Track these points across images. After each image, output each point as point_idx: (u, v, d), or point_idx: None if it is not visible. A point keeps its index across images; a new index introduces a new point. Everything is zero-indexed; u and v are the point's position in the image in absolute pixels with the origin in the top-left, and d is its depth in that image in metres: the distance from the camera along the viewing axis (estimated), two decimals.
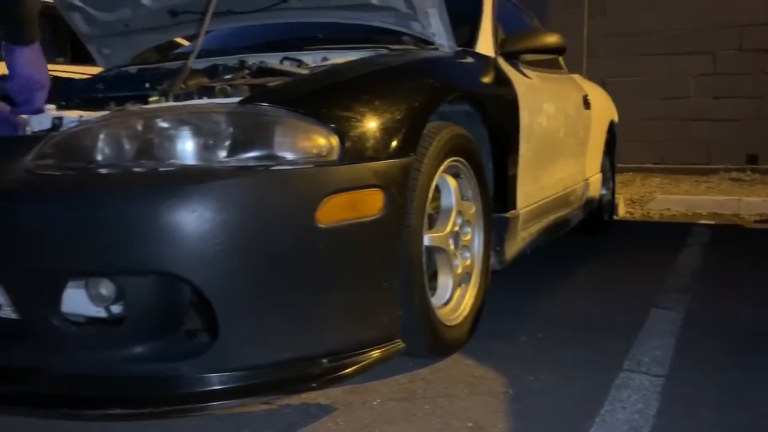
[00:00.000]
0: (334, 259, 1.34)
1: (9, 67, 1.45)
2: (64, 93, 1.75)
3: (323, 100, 1.41)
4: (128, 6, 2.29)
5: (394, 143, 1.43)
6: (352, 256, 1.36)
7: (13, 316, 1.40)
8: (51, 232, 1.21)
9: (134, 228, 1.18)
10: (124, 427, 1.37)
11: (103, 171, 1.26)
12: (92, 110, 1.43)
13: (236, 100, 1.34)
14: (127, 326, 1.24)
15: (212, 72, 1.71)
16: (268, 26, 2.33)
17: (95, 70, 2.44)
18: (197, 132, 1.27)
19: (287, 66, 1.71)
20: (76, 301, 1.30)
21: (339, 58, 1.91)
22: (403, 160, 1.45)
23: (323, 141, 1.33)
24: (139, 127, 1.29)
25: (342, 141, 1.35)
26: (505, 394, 1.54)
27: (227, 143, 1.27)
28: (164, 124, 1.28)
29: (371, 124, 1.41)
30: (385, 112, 1.45)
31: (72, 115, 1.38)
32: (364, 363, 1.40)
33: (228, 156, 1.27)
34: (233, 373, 1.28)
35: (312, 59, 1.98)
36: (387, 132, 1.43)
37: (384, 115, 1.44)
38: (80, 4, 2.31)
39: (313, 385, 1.38)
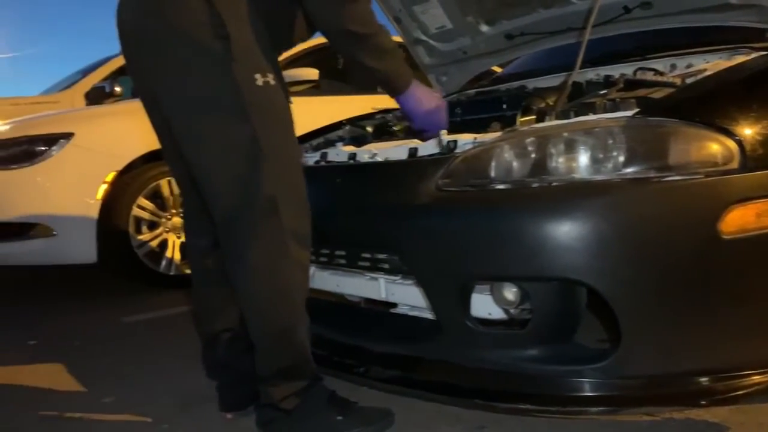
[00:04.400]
0: (739, 272, 1.29)
1: (406, 113, 1.64)
2: None
3: (715, 107, 1.36)
4: (468, 35, 2.50)
5: None
6: (759, 269, 1.29)
7: (414, 314, 1.61)
8: (463, 242, 1.36)
9: (542, 237, 1.27)
10: (509, 420, 1.48)
11: (501, 187, 1.39)
12: (480, 132, 1.58)
13: (628, 113, 1.37)
14: (532, 327, 1.34)
15: (572, 89, 1.77)
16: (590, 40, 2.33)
17: None
18: (592, 146, 1.33)
19: (656, 76, 1.70)
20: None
21: (697, 63, 1.84)
22: None
23: (722, 149, 1.29)
24: (534, 145, 1.39)
25: (742, 148, 1.29)
26: None
27: (622, 156, 1.30)
28: (558, 141, 1.36)
29: None
30: None
31: (465, 138, 1.54)
32: (764, 384, 1.32)
33: (622, 168, 1.30)
34: (630, 380, 1.30)
35: (662, 66, 1.94)
36: None
37: None
38: (424, 38, 2.59)
39: (703, 402, 1.34)
